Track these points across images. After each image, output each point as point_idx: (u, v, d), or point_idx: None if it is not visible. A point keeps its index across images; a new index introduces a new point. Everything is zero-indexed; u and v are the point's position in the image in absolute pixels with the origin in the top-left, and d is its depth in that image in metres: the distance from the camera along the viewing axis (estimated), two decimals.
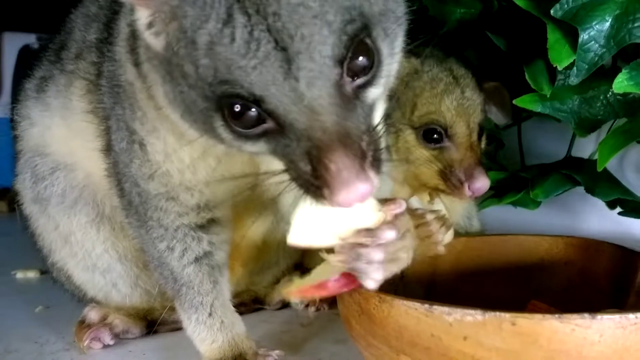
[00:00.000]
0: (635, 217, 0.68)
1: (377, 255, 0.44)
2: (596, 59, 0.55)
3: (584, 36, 0.54)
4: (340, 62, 0.38)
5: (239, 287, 0.69)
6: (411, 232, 0.49)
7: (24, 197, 0.67)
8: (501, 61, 0.68)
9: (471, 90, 0.65)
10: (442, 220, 0.60)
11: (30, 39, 1.73)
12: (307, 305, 0.73)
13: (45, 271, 0.91)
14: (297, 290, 0.45)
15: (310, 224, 0.43)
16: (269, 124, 0.40)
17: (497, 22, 0.68)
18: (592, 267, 0.65)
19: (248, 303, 0.73)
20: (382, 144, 0.42)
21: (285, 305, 0.74)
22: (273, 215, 0.61)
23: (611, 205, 0.68)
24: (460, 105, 0.63)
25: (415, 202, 0.62)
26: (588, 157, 0.64)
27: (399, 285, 0.64)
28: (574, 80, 0.56)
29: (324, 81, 0.38)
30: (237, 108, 0.39)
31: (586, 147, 0.66)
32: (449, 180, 0.63)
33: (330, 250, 0.44)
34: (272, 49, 0.37)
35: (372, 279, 0.44)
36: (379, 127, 0.41)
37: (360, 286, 0.45)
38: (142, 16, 0.42)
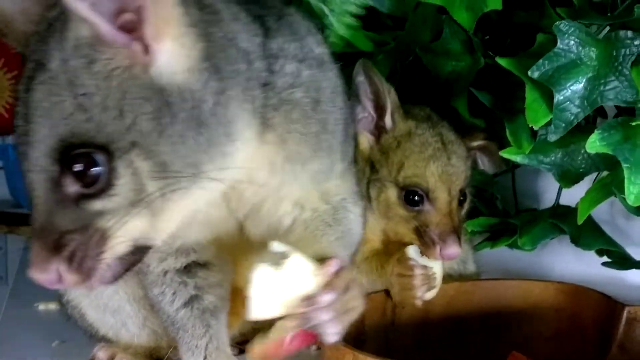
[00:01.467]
0: (618, 268, 0.70)
1: (325, 315, 0.48)
2: (572, 118, 0.57)
3: (559, 97, 0.57)
4: (57, 161, 0.44)
5: (244, 329, 0.71)
6: (355, 282, 0.52)
7: None
8: (489, 114, 0.71)
9: (457, 157, 0.67)
10: (428, 279, 0.63)
11: None
12: None
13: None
14: (258, 351, 0.48)
15: (262, 296, 0.47)
16: None
17: (483, 78, 0.71)
18: (581, 314, 0.67)
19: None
20: (103, 251, 0.46)
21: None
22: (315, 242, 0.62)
23: (599, 253, 0.70)
24: (444, 172, 0.65)
25: (412, 252, 0.65)
26: (576, 205, 0.66)
27: (389, 330, 0.67)
28: (551, 137, 0.58)
29: (38, 171, 0.44)
30: None
31: (578, 190, 0.68)
32: (422, 239, 0.65)
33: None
34: (24, 131, 0.45)
35: (330, 333, 0.48)
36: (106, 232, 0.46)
37: (319, 339, 0.48)
38: None
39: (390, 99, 0.68)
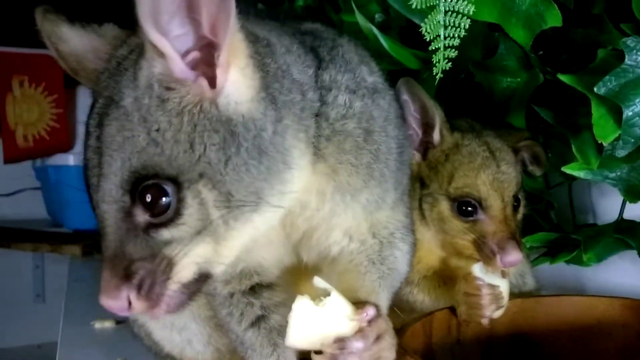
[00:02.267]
0: None
1: None
2: None
3: (627, 113, 0.57)
4: (128, 192, 0.46)
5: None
6: (389, 332, 0.53)
7: None
8: (546, 130, 0.71)
9: (507, 164, 0.67)
10: (496, 298, 0.63)
11: None
12: None
13: (121, 321, 0.98)
14: None
15: (301, 327, 0.49)
16: None
17: (543, 94, 0.71)
18: None
19: None
20: (171, 277, 0.47)
21: None
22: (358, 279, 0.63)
23: None
24: (495, 180, 0.65)
25: (478, 270, 0.65)
26: None
27: (455, 347, 0.67)
28: (620, 152, 0.58)
29: (111, 202, 0.47)
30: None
31: (638, 205, 0.67)
32: (482, 251, 0.65)
33: (318, 352, 0.50)
34: (97, 163, 0.48)
35: None
36: (173, 259, 0.47)
37: None
38: None
39: (438, 113, 0.69)
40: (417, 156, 0.71)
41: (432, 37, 0.63)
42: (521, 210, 0.70)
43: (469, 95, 0.82)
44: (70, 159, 1.85)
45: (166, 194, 0.46)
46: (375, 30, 0.81)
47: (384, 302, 0.59)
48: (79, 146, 1.84)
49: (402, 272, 0.63)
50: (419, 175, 0.70)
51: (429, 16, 0.61)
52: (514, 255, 0.63)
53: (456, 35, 0.62)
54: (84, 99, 1.85)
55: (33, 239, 1.87)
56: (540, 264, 0.79)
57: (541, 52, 0.78)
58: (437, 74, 0.63)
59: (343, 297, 0.50)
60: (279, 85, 0.51)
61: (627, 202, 0.68)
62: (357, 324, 0.50)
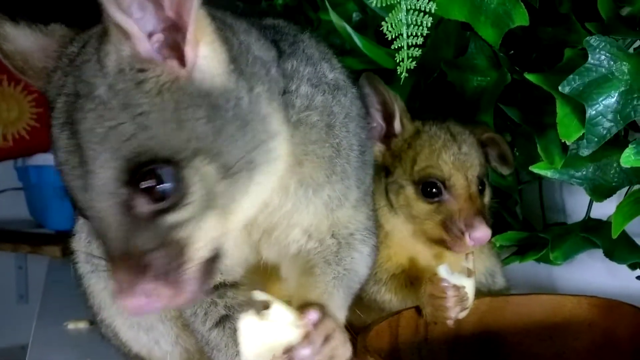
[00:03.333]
0: None
1: None
2: (604, 132, 0.57)
3: (591, 112, 0.57)
4: (125, 183, 0.44)
5: None
6: (339, 330, 0.52)
7: (78, 256, 0.73)
8: (514, 128, 0.71)
9: (468, 146, 0.68)
10: (461, 300, 0.63)
11: None
12: None
13: (94, 322, 0.97)
14: None
15: (251, 344, 0.48)
16: None
17: (509, 93, 0.71)
18: (615, 329, 0.66)
19: None
20: (185, 260, 0.46)
21: None
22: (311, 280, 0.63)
23: (632, 267, 0.69)
24: (457, 160, 0.66)
25: (443, 271, 0.65)
26: (607, 218, 0.66)
27: (422, 346, 0.67)
28: (584, 152, 0.58)
29: (107, 198, 0.45)
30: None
31: (608, 204, 0.68)
32: (451, 231, 0.65)
33: None
34: (78, 162, 0.45)
35: None
36: (185, 241, 0.46)
37: None
38: None
39: (397, 104, 0.71)
40: (382, 147, 0.72)
41: (394, 36, 0.63)
42: (487, 194, 0.71)
43: (442, 94, 0.82)
44: (51, 159, 1.83)
45: (166, 177, 0.45)
46: (350, 30, 0.81)
47: (338, 302, 0.59)
48: None
49: (360, 274, 0.63)
50: (384, 164, 0.71)
51: (390, 14, 0.62)
52: (482, 231, 0.63)
53: (419, 34, 0.62)
54: None
55: (13, 240, 1.86)
56: (510, 262, 0.79)
57: (512, 52, 0.78)
58: (401, 73, 0.63)
59: (285, 305, 0.50)
60: (244, 58, 0.51)
61: (594, 201, 0.68)
62: (304, 329, 0.50)
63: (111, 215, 0.45)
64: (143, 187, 0.45)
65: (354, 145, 0.59)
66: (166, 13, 0.46)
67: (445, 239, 0.66)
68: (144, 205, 0.45)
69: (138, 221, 0.45)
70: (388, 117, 0.72)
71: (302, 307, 0.52)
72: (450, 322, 0.64)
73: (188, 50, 0.46)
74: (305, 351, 0.49)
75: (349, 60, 0.80)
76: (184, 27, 0.46)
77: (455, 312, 0.63)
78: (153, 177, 0.45)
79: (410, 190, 0.68)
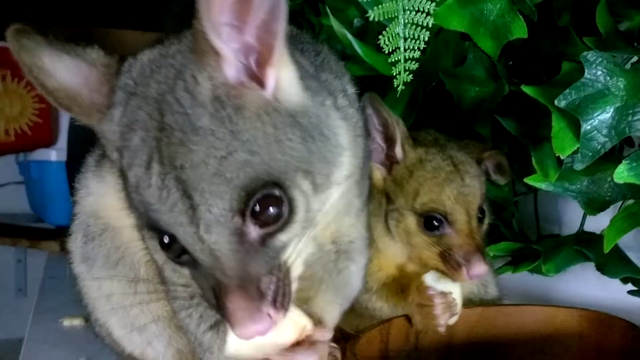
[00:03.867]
0: None
1: None
2: (599, 147, 0.57)
3: (586, 126, 0.57)
4: (240, 212, 0.44)
5: None
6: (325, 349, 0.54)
7: (74, 256, 0.73)
8: (512, 140, 0.71)
9: (471, 177, 0.67)
10: (449, 306, 0.63)
11: None
12: None
13: (89, 320, 0.97)
14: None
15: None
16: (188, 257, 0.46)
17: (507, 105, 0.71)
18: (605, 342, 0.67)
19: None
20: (290, 281, 0.47)
21: None
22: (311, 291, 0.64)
23: (624, 281, 0.70)
24: (460, 194, 0.66)
25: (430, 279, 0.65)
26: (601, 232, 0.66)
27: (413, 355, 0.68)
28: (578, 166, 0.58)
29: (222, 230, 0.44)
30: (166, 240, 0.47)
31: (603, 218, 0.68)
32: (448, 263, 0.65)
33: None
34: (180, 196, 0.43)
35: None
36: (289, 260, 0.47)
37: None
38: (101, 138, 0.51)
39: (399, 129, 0.69)
40: (383, 171, 0.71)
41: (391, 49, 0.63)
42: (486, 221, 0.71)
43: (440, 103, 0.82)
44: (53, 155, 1.83)
45: (277, 201, 0.45)
46: (350, 36, 0.81)
47: (335, 317, 0.60)
48: (61, 142, 1.83)
49: (355, 289, 0.64)
50: (385, 190, 0.70)
51: (387, 28, 0.62)
52: (480, 268, 0.64)
53: (416, 47, 0.62)
54: None
55: (13, 234, 1.86)
56: (503, 272, 0.80)
57: (511, 63, 0.79)
58: (398, 85, 0.63)
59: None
60: (305, 72, 0.51)
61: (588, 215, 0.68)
62: (297, 331, 0.50)
63: (225, 245, 0.44)
64: (256, 214, 0.44)
65: (360, 157, 0.59)
66: (247, 37, 0.45)
67: (442, 269, 0.66)
68: (256, 231, 0.45)
69: (250, 247, 0.45)
70: (389, 140, 0.71)
71: (315, 322, 0.53)
72: (441, 329, 0.64)
73: (269, 72, 0.46)
74: (309, 358, 0.51)
75: (350, 66, 0.81)
76: (268, 51, 0.45)
77: (444, 319, 0.63)
78: (265, 203, 0.45)
79: (411, 221, 0.68)
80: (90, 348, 0.84)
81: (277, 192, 0.45)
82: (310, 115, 0.49)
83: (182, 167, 0.43)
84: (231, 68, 0.45)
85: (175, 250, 0.47)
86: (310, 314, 0.54)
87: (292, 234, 0.47)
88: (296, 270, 0.49)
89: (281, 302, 0.46)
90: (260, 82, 0.46)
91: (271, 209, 0.45)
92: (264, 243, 0.45)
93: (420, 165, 0.68)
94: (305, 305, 0.56)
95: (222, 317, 0.46)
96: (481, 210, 0.69)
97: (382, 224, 0.70)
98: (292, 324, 0.51)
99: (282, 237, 0.46)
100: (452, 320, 0.65)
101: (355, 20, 0.93)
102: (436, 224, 0.66)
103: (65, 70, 0.48)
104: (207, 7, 0.42)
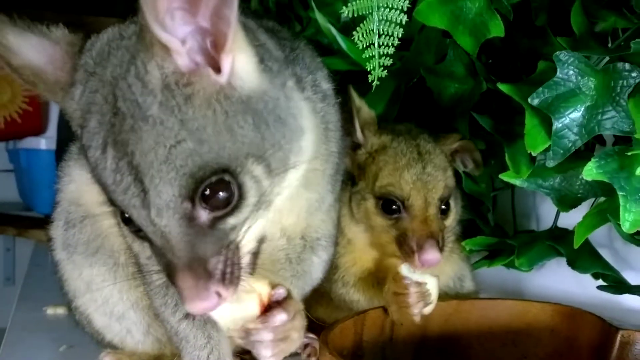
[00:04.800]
0: (613, 292, 0.71)
1: (266, 335, 0.52)
2: (570, 145, 0.59)
3: (557, 124, 0.58)
4: (189, 198, 0.45)
5: None
6: (301, 314, 0.56)
7: (55, 243, 0.74)
8: (490, 136, 0.72)
9: (434, 166, 0.68)
10: (423, 296, 0.64)
11: None
12: (308, 355, 0.77)
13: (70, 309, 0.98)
14: None
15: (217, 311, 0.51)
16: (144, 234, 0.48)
17: (484, 102, 0.72)
18: (576, 336, 0.68)
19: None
20: (239, 259, 0.49)
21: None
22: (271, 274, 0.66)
23: (595, 276, 0.71)
24: (419, 180, 0.67)
25: (405, 270, 0.66)
26: (573, 228, 0.67)
27: (387, 346, 0.69)
28: (550, 163, 0.60)
29: (172, 214, 0.45)
30: (126, 214, 0.48)
31: (577, 213, 0.69)
32: (403, 248, 0.66)
33: None
34: (132, 180, 0.45)
35: (264, 355, 0.53)
36: (239, 241, 0.48)
37: None
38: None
39: (359, 115, 0.71)
40: (352, 154, 0.72)
41: (365, 45, 0.64)
42: (451, 216, 0.72)
43: (421, 100, 0.83)
44: (42, 143, 1.83)
45: (226, 186, 0.46)
46: (334, 31, 0.82)
47: (294, 294, 0.61)
48: (51, 130, 1.83)
49: (314, 278, 0.65)
50: (351, 173, 0.72)
51: (361, 25, 0.63)
52: (432, 254, 0.64)
53: (390, 43, 0.63)
54: None
55: (1, 222, 1.86)
56: (479, 267, 0.81)
57: (490, 61, 0.80)
58: (372, 81, 0.64)
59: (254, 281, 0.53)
60: (268, 56, 0.52)
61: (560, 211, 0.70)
62: (258, 299, 0.53)
63: (175, 228, 0.46)
64: (206, 198, 0.46)
65: (334, 153, 0.60)
66: (199, 21, 0.45)
67: (397, 254, 0.68)
68: (205, 215, 0.46)
69: (200, 230, 0.46)
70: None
71: (271, 285, 0.55)
72: (416, 318, 0.65)
73: (224, 58, 0.46)
74: (281, 316, 0.53)
75: (336, 60, 0.81)
76: (221, 36, 0.45)
77: (418, 308, 0.65)
78: (215, 188, 0.46)
79: (371, 204, 0.69)
80: (72, 336, 0.84)
81: (226, 177, 0.46)
82: (266, 100, 0.49)
83: (132, 154, 0.45)
84: (181, 56, 0.45)
85: (133, 226, 0.49)
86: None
87: (242, 217, 0.48)
88: (247, 246, 0.50)
89: (230, 279, 0.47)
90: (216, 67, 0.47)
91: (220, 194, 0.46)
92: (213, 226, 0.47)
93: (382, 151, 0.70)
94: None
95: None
96: (446, 202, 0.70)
97: (347, 208, 0.71)
98: (253, 295, 0.53)
99: (232, 221, 0.48)
100: (427, 310, 0.66)
101: (342, 16, 0.93)
102: (394, 207, 0.68)
103: (30, 48, 0.49)
104: (148, 5, 0.42)
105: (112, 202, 0.48)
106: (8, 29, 0.49)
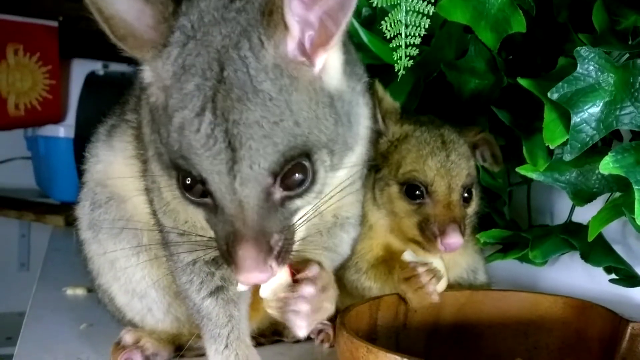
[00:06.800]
0: (625, 286, 0.72)
1: (302, 306, 0.55)
2: (587, 139, 0.60)
3: (575, 119, 0.59)
4: (274, 174, 0.48)
5: (263, 325, 0.76)
6: (332, 285, 0.59)
7: (81, 222, 0.76)
8: (510, 131, 0.74)
9: (458, 154, 0.70)
10: (433, 272, 0.66)
11: (97, 66, 1.85)
12: (322, 341, 0.79)
13: (92, 289, 1.00)
14: None
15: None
16: (209, 200, 0.50)
17: (504, 97, 0.73)
18: (586, 329, 0.69)
19: (267, 335, 0.80)
20: (294, 241, 0.52)
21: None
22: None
23: (607, 270, 0.72)
24: (443, 167, 0.69)
25: (408, 255, 0.68)
26: (587, 222, 0.68)
27: (401, 332, 0.70)
28: (567, 157, 0.61)
29: (255, 185, 0.48)
30: (188, 181, 0.50)
31: (590, 209, 0.70)
32: (425, 233, 0.68)
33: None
34: (225, 147, 0.47)
35: (299, 325, 0.55)
36: (296, 225, 0.51)
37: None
38: (145, 74, 0.53)
39: (381, 105, 0.73)
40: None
41: (392, 35, 0.65)
42: (473, 204, 0.73)
43: (441, 94, 0.84)
44: (61, 131, 1.86)
45: (304, 169, 0.50)
46: (357, 25, 0.83)
47: (325, 265, 0.62)
48: (70, 119, 1.85)
49: (343, 254, 0.68)
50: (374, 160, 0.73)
51: (390, 14, 0.64)
52: (454, 238, 0.66)
53: (417, 34, 0.64)
54: (78, 72, 1.86)
55: (18, 207, 1.89)
56: (493, 260, 0.82)
57: (511, 57, 0.81)
58: (399, 70, 0.66)
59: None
60: (349, 57, 0.56)
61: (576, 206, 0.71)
62: (291, 272, 0.56)
63: (253, 199, 0.48)
64: (284, 177, 0.49)
65: (365, 140, 0.63)
66: (311, 17, 0.49)
67: (419, 239, 0.69)
68: (279, 192, 0.49)
69: (272, 205, 0.49)
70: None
71: (303, 262, 0.57)
72: (434, 297, 0.66)
73: (320, 54, 0.50)
74: (308, 289, 0.55)
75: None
76: (327, 36, 0.49)
77: (432, 285, 0.66)
78: (293, 169, 0.49)
79: (394, 189, 0.71)
80: (92, 315, 0.87)
81: (306, 162, 0.50)
82: (344, 100, 0.53)
83: (235, 122, 0.47)
84: (292, 43, 0.49)
85: (196, 193, 0.50)
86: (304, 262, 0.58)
87: (306, 201, 0.52)
88: (299, 234, 0.53)
89: (283, 257, 0.50)
90: (310, 61, 0.50)
91: (297, 176, 0.50)
92: (282, 204, 0.50)
93: (405, 140, 0.71)
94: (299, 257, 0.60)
95: (227, 263, 0.50)
96: (468, 190, 0.71)
97: (370, 193, 0.73)
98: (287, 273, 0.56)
99: (298, 202, 0.51)
100: (441, 287, 0.68)
101: (364, 10, 0.95)
102: (418, 192, 0.69)
103: (122, 1, 0.50)
104: None
105: (180, 164, 0.49)
106: None
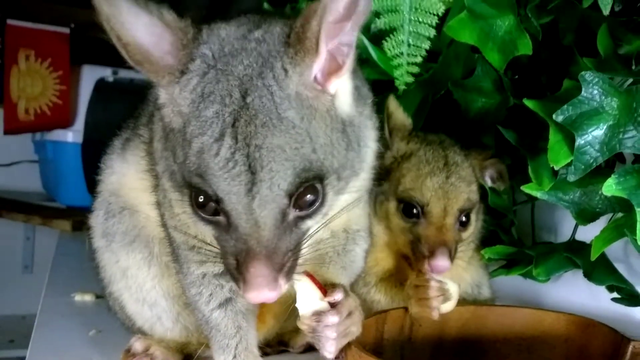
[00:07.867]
0: (626, 305, 0.73)
1: (330, 333, 0.57)
2: (591, 161, 0.61)
3: (580, 141, 0.61)
4: (290, 195, 0.50)
5: (269, 336, 0.77)
6: (358, 309, 0.60)
7: (95, 231, 0.77)
8: (515, 150, 0.75)
9: (459, 178, 0.71)
10: (443, 291, 0.67)
11: (106, 72, 1.86)
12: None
13: (100, 296, 1.01)
14: None
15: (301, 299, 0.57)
16: (222, 218, 0.51)
17: (510, 117, 0.75)
18: (589, 346, 0.70)
19: (273, 345, 0.81)
20: (299, 257, 0.53)
21: (308, 348, 0.80)
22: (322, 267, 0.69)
23: (609, 289, 0.73)
24: (440, 188, 0.70)
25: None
26: (591, 241, 0.70)
27: (406, 346, 0.72)
28: (571, 177, 0.62)
29: (274, 207, 0.50)
30: (201, 199, 0.52)
31: (594, 227, 0.72)
32: (415, 252, 0.69)
33: None
34: (245, 170, 0.49)
35: (328, 351, 0.57)
36: (303, 245, 0.53)
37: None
38: (161, 95, 0.54)
39: (390, 120, 0.75)
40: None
41: (394, 55, 0.67)
42: (470, 229, 0.74)
43: (448, 112, 0.86)
44: (69, 136, 1.88)
45: (316, 191, 0.52)
46: (365, 41, 0.85)
47: (344, 284, 0.63)
48: (78, 124, 1.87)
49: (359, 267, 0.69)
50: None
51: (391, 35, 0.66)
52: (442, 261, 0.67)
53: (417, 54, 0.66)
54: (88, 78, 1.88)
55: (26, 211, 1.90)
56: (497, 275, 0.83)
57: (517, 77, 0.83)
58: (399, 85, 0.68)
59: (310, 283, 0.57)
60: (361, 83, 0.58)
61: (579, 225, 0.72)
62: (329, 301, 0.58)
63: (270, 220, 0.50)
64: (297, 198, 0.51)
65: (369, 166, 0.64)
66: (328, 46, 0.50)
67: (411, 257, 0.71)
68: (293, 213, 0.52)
69: (286, 225, 0.51)
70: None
71: (330, 286, 0.59)
72: (434, 314, 0.67)
73: (334, 80, 0.52)
74: (333, 318, 0.56)
75: (365, 69, 0.85)
76: (341, 63, 0.51)
77: (437, 302, 0.67)
78: (306, 191, 0.51)
79: (392, 205, 0.73)
80: (101, 322, 0.88)
81: (318, 185, 0.52)
82: (354, 125, 0.55)
83: (257, 147, 0.49)
84: (317, 68, 0.51)
85: (208, 211, 0.52)
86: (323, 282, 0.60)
87: (315, 221, 0.54)
88: (305, 250, 0.55)
89: (289, 275, 0.52)
90: (324, 88, 0.52)
91: (309, 197, 0.52)
92: (295, 224, 0.52)
93: (408, 158, 0.73)
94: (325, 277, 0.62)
95: (235, 280, 0.51)
96: (466, 215, 0.72)
97: (371, 205, 0.74)
98: (304, 278, 0.58)
99: (309, 222, 0.53)
100: (445, 308, 0.69)
101: (372, 26, 0.97)
102: (414, 211, 0.71)
103: (141, 27, 0.50)
104: (328, 10, 0.47)
105: (194, 183, 0.51)
106: (124, 4, 0.49)
